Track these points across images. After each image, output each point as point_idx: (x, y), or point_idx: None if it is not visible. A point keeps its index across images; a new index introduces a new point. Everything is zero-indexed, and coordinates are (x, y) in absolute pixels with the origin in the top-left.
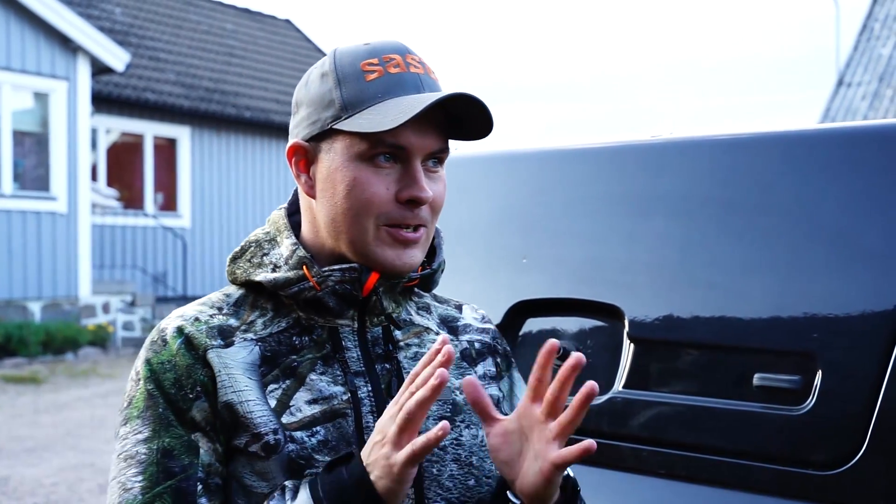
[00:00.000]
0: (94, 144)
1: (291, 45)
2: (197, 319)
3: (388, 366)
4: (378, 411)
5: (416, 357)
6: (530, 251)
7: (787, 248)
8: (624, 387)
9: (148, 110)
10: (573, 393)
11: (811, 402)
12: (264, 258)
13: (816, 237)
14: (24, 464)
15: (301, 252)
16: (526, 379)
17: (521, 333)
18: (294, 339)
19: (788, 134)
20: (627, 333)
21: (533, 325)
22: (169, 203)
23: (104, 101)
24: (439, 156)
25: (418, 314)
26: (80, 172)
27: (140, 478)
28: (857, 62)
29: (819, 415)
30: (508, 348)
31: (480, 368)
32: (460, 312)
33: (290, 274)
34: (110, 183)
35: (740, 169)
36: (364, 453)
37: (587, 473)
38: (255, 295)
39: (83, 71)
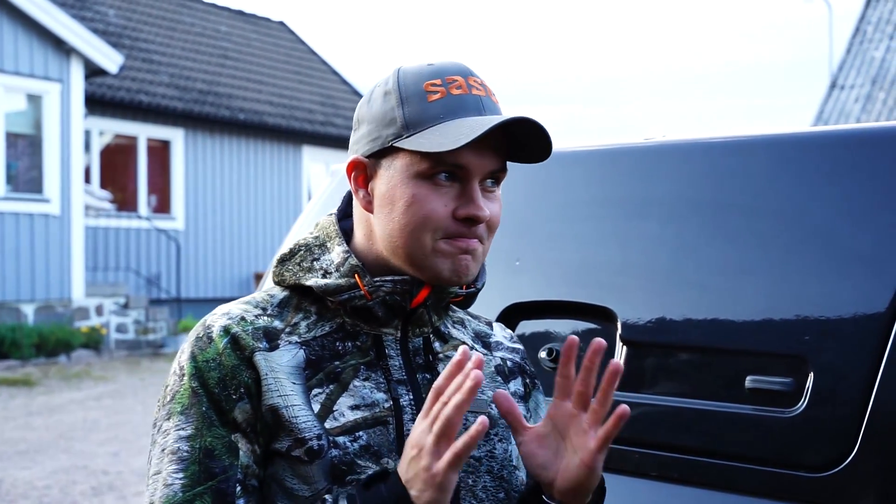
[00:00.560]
0: (87, 146)
1: (285, 47)
2: (243, 319)
3: (428, 376)
4: None
5: None
6: (523, 253)
7: (779, 250)
8: (616, 389)
9: (141, 112)
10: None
11: (803, 404)
12: (314, 263)
13: (808, 240)
14: (16, 466)
15: (353, 261)
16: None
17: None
18: (338, 344)
19: (781, 137)
20: (620, 336)
21: (526, 327)
22: (162, 205)
23: (97, 103)
24: (497, 176)
25: (454, 328)
26: (73, 174)
27: (181, 475)
28: (850, 65)
29: (811, 417)
30: (534, 370)
31: (512, 386)
32: (491, 329)
33: (342, 281)
34: (104, 185)
35: (733, 172)
36: (401, 469)
37: None
38: (299, 297)
39: (76, 73)
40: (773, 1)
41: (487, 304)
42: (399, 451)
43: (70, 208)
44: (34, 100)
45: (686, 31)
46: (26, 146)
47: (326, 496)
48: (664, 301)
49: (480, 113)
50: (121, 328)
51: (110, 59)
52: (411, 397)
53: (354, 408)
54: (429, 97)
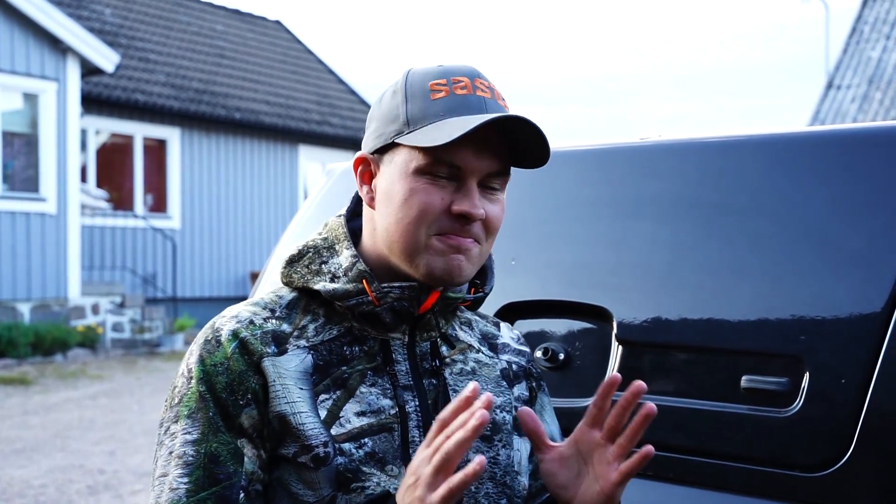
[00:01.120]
0: (83, 145)
1: (282, 46)
2: (252, 323)
3: (434, 381)
4: (424, 427)
5: (461, 373)
6: (519, 253)
7: (774, 250)
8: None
9: (138, 111)
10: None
11: (798, 404)
12: (322, 266)
13: (804, 240)
14: (12, 465)
15: (361, 266)
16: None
17: None
18: (345, 348)
19: (776, 137)
20: (616, 335)
21: (521, 326)
22: (159, 204)
23: (94, 102)
24: (498, 179)
25: (461, 329)
26: (69, 173)
27: (186, 479)
28: (847, 65)
29: (806, 417)
30: (540, 371)
31: (516, 391)
32: (498, 330)
33: (349, 286)
34: (100, 184)
35: (728, 172)
36: (398, 496)
37: None
38: (307, 299)
39: (73, 72)
40: (771, 1)
41: (484, 304)
42: (404, 457)
43: (66, 207)
44: (30, 99)
45: (684, 31)
46: (22, 145)
47: None
48: (660, 300)
49: (482, 113)
50: (117, 327)
51: (107, 59)
52: (417, 403)
53: (360, 414)
54: (432, 95)
